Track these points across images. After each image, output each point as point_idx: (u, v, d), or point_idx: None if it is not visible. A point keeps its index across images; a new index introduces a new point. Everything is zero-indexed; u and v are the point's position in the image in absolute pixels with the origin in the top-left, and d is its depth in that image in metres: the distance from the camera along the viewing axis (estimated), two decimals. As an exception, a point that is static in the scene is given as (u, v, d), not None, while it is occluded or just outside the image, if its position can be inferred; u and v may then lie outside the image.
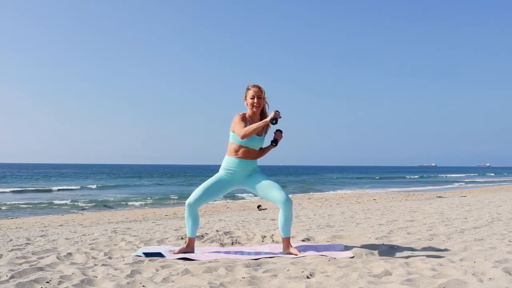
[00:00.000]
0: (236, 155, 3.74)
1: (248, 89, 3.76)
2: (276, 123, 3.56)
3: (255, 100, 3.70)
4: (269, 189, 3.67)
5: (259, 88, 3.75)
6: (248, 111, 3.76)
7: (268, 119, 3.54)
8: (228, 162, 3.78)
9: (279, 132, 3.80)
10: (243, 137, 3.59)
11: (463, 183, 41.65)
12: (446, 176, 57.93)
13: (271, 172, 78.63)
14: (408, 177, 59.57)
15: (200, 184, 3.83)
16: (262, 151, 3.85)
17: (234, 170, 3.75)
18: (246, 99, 3.76)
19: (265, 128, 3.83)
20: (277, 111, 3.56)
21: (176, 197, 23.33)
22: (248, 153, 3.74)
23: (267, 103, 3.82)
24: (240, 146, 3.73)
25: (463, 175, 63.45)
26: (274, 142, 3.78)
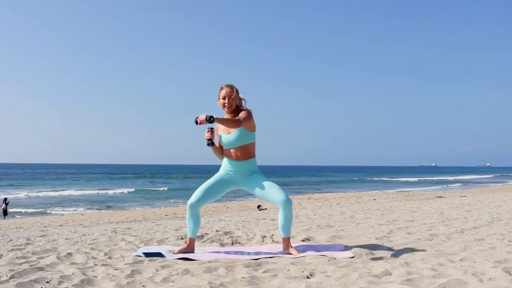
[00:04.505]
0: (228, 157, 3.77)
1: (221, 88, 3.71)
2: (210, 144, 3.70)
3: (226, 101, 3.66)
4: (269, 190, 3.66)
5: (232, 88, 3.68)
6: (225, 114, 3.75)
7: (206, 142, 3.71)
8: (224, 163, 3.81)
9: (208, 129, 3.68)
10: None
11: (463, 183, 41.73)
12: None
13: (271, 173, 78.58)
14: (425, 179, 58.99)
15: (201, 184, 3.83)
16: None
17: (231, 170, 3.76)
18: (219, 99, 3.72)
19: (228, 125, 3.64)
20: (200, 117, 3.43)
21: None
22: (235, 154, 3.72)
23: (244, 100, 3.74)
24: (226, 149, 3.78)
25: (464, 177, 63.06)
26: (210, 119, 3.42)
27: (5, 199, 16.67)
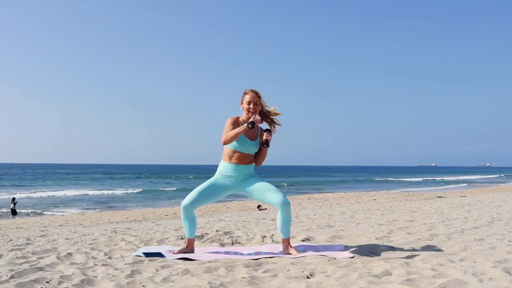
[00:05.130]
0: (230, 160, 3.73)
1: (245, 93, 3.74)
2: (252, 127, 3.58)
3: (251, 106, 3.69)
4: (266, 192, 3.65)
5: (256, 93, 3.73)
6: (244, 115, 3.75)
7: (245, 124, 3.58)
8: (223, 167, 3.77)
9: (267, 132, 3.71)
10: (224, 143, 3.64)
11: (463, 183, 41.73)
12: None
13: (271, 172, 78.60)
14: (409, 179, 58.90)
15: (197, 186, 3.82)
16: (259, 155, 3.79)
17: (230, 175, 3.73)
18: (242, 103, 3.75)
19: (258, 132, 3.78)
20: (257, 117, 3.66)
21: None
22: (243, 158, 3.72)
23: (267, 107, 3.81)
24: (234, 151, 3.71)
25: (461, 177, 62.90)
26: (266, 143, 3.68)
27: (13, 198, 16.78)
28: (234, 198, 19.49)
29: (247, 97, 3.71)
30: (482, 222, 5.75)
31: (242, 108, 3.75)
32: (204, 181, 3.83)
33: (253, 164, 3.81)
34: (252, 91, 3.73)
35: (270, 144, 3.71)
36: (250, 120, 3.61)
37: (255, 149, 3.75)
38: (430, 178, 58.67)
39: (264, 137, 3.69)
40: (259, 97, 3.74)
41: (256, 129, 3.78)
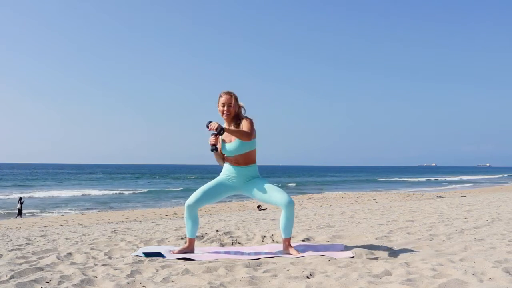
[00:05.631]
0: (229, 162, 3.78)
1: (220, 96, 3.71)
2: (216, 150, 3.70)
3: (225, 108, 3.66)
4: (270, 192, 3.66)
5: (230, 95, 3.68)
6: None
7: (210, 150, 3.71)
8: (225, 168, 3.82)
9: (213, 136, 3.66)
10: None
11: (467, 183, 41.72)
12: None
13: (271, 172, 78.59)
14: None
15: (201, 185, 3.84)
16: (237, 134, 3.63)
17: (231, 176, 3.76)
18: (218, 106, 3.72)
19: (240, 137, 3.66)
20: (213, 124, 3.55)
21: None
22: (238, 160, 3.73)
23: (243, 108, 3.74)
24: (228, 156, 3.78)
25: (464, 177, 62.77)
26: (213, 148, 3.67)
27: (20, 198, 16.90)
28: (234, 198, 19.48)
29: (222, 99, 3.68)
30: (482, 222, 5.75)
31: (218, 110, 3.72)
32: (207, 181, 3.85)
33: (255, 164, 3.81)
34: (226, 93, 3.69)
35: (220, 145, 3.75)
36: (211, 143, 3.67)
37: (240, 148, 3.66)
38: (433, 178, 58.66)
39: (211, 142, 3.67)
40: (233, 98, 3.67)
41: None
